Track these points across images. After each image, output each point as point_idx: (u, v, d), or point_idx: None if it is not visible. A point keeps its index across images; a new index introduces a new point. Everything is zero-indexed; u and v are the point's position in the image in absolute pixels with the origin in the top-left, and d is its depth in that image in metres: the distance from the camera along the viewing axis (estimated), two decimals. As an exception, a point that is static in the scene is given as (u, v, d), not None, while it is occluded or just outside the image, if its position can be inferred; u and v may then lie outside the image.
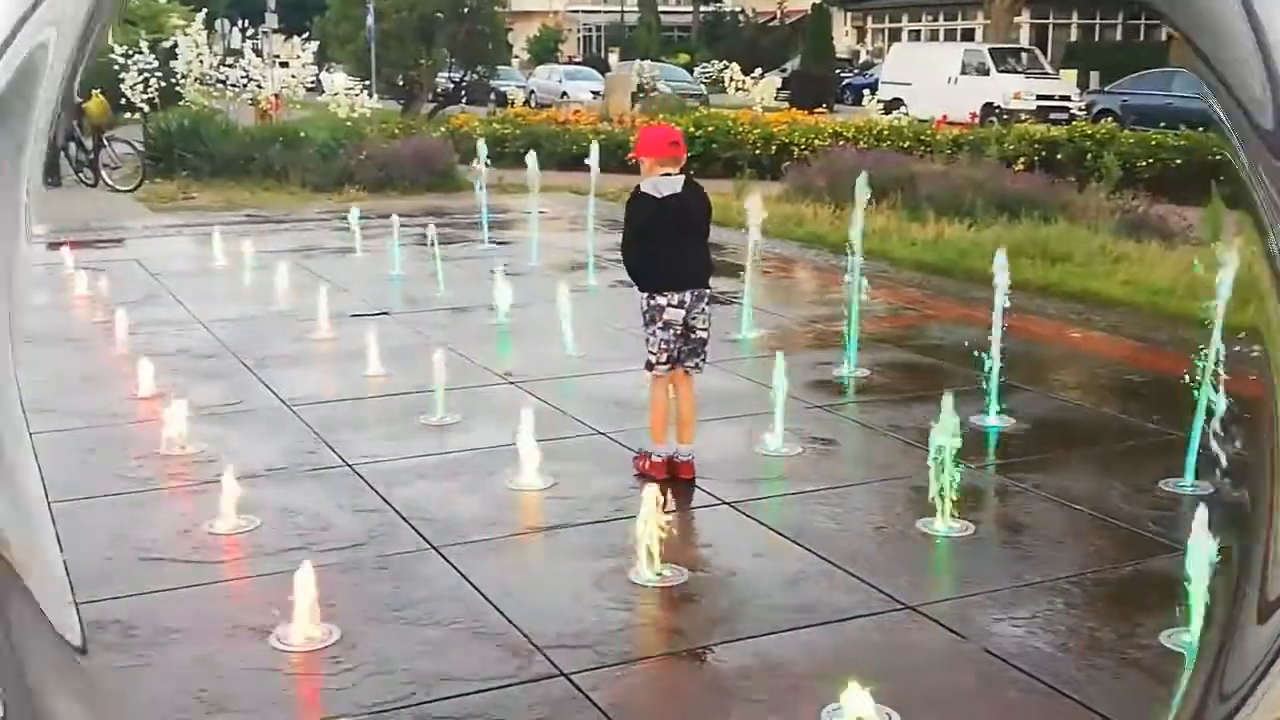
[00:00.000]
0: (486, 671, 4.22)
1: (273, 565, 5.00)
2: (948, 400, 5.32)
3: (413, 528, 5.46)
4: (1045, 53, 39.10)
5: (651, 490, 4.90)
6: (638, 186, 5.90)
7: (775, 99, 30.81)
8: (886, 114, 22.53)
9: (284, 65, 23.67)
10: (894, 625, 4.59)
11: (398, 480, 6.05)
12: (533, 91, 39.30)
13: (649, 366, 6.02)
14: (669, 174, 5.84)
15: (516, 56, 51.06)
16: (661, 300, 5.85)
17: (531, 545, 5.53)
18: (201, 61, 19.99)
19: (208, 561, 5.12)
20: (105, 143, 18.13)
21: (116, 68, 19.44)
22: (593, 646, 4.38)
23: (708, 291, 5.97)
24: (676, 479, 5.92)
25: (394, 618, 4.60)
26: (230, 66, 20.99)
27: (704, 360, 6.08)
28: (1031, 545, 5.40)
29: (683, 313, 5.84)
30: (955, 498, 5.44)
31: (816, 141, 19.57)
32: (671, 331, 5.87)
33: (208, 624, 4.57)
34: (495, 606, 4.71)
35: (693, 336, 5.93)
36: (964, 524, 5.47)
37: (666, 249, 5.82)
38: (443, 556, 5.15)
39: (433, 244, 11.13)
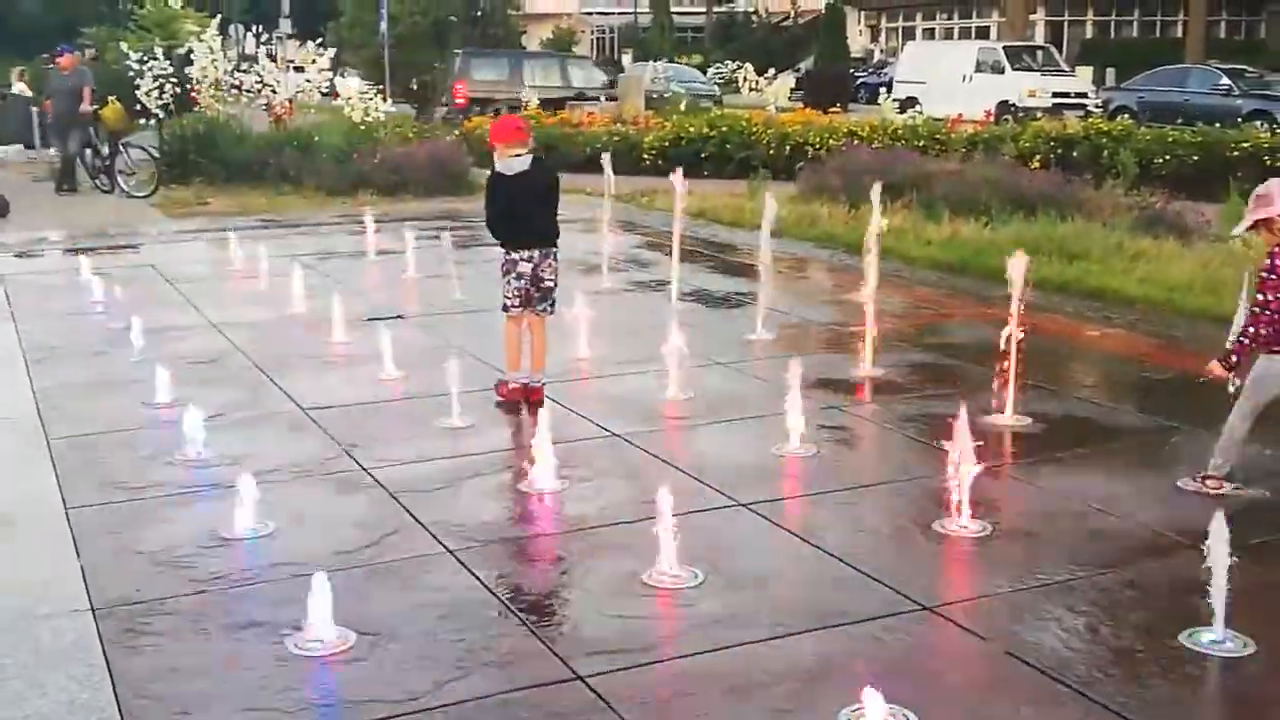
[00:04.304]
0: (502, 676, 4.21)
1: (288, 570, 5.00)
2: (964, 404, 5.29)
3: (428, 531, 5.45)
4: (1061, 50, 38.95)
5: (666, 496, 4.89)
6: (494, 167, 7.24)
7: (789, 99, 30.76)
8: (901, 113, 22.44)
9: (299, 70, 23.72)
10: (913, 626, 4.56)
11: (413, 483, 6.04)
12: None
13: (505, 309, 7.34)
14: (518, 155, 7.12)
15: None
16: (515, 256, 7.23)
17: (546, 547, 5.51)
18: (216, 67, 20.04)
19: (224, 565, 5.12)
20: (121, 149, 18.18)
21: (132, 74, 19.50)
22: (608, 650, 4.36)
23: (554, 249, 7.29)
24: (530, 401, 7.21)
25: (409, 621, 4.59)
26: (245, 72, 21.03)
27: (552, 305, 7.37)
28: (1050, 545, 5.36)
29: (531, 266, 7.18)
30: (973, 498, 5.41)
31: (831, 141, 19.51)
32: (523, 281, 7.21)
33: (223, 628, 4.57)
34: (510, 609, 4.70)
35: (541, 285, 7.26)
36: (982, 524, 5.43)
37: (520, 215, 7.17)
38: (458, 559, 5.14)
39: (447, 248, 11.14)
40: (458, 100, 27.49)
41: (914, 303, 10.50)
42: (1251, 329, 5.43)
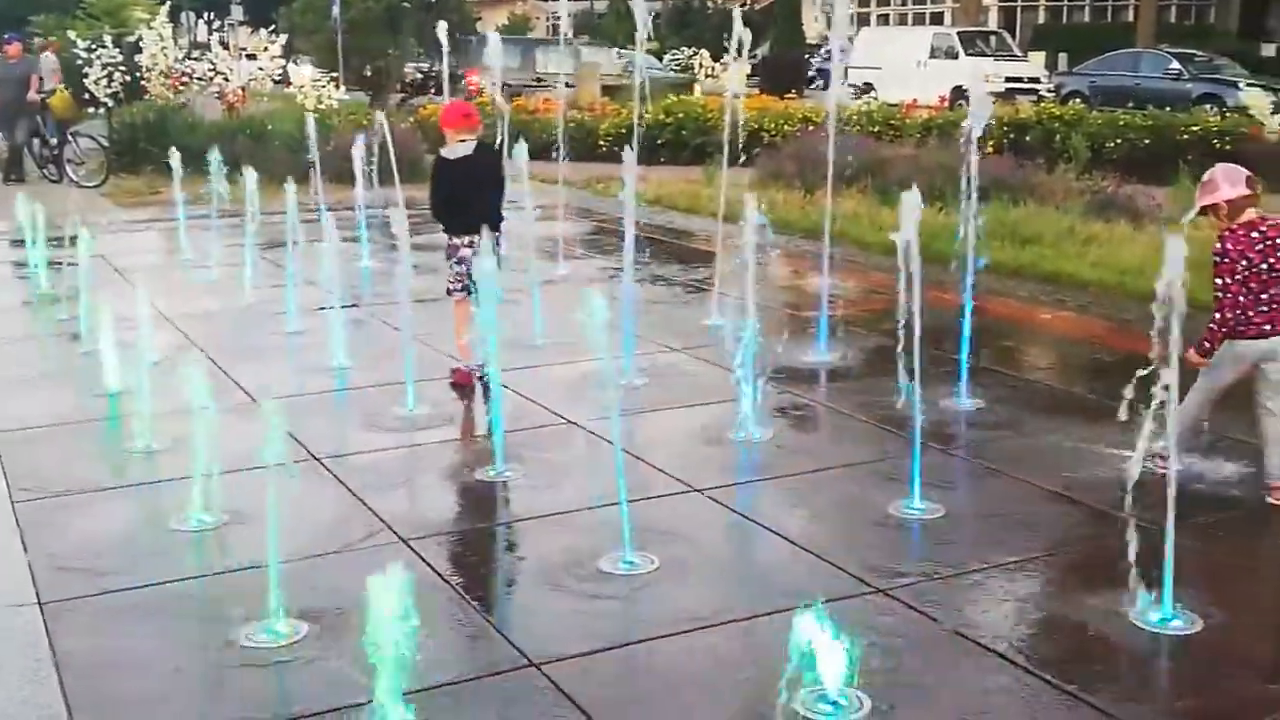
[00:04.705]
0: (457, 663, 4.20)
1: (239, 561, 4.96)
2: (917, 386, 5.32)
3: (381, 520, 5.41)
4: (1013, 35, 39.17)
5: (622, 483, 4.88)
6: (439, 152, 7.23)
7: (746, 85, 30.72)
8: (857, 99, 22.50)
9: (251, 58, 23.48)
10: (866, 608, 4.58)
11: (365, 472, 6.01)
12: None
13: (448, 293, 7.39)
14: (464, 140, 7.13)
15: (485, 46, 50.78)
16: (456, 241, 7.23)
17: (500, 535, 5.50)
18: (166, 55, 19.79)
19: (174, 558, 5.07)
20: (70, 138, 17.93)
21: (80, 62, 19.23)
22: (563, 636, 4.36)
23: (498, 234, 7.11)
24: (465, 386, 7.32)
25: (359, 612, 4.56)
26: (196, 60, 20.78)
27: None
28: (1002, 525, 5.41)
29: (472, 251, 6.95)
30: (926, 480, 5.45)
31: (786, 127, 19.54)
32: (465, 265, 7.15)
33: (174, 620, 4.53)
34: (465, 597, 4.69)
35: None
36: (935, 505, 5.47)
37: (460, 201, 7.10)
38: (411, 549, 5.11)
39: (401, 235, 11.04)
40: (470, 86, 27.27)
41: (869, 287, 10.54)
42: (1218, 314, 5.49)
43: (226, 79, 20.53)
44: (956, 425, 6.76)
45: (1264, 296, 5.43)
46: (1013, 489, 5.84)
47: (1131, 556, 4.70)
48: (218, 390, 7.47)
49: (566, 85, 27.92)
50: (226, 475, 5.87)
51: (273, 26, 23.20)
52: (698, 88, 28.05)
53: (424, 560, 5.01)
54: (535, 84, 28.15)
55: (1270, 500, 5.56)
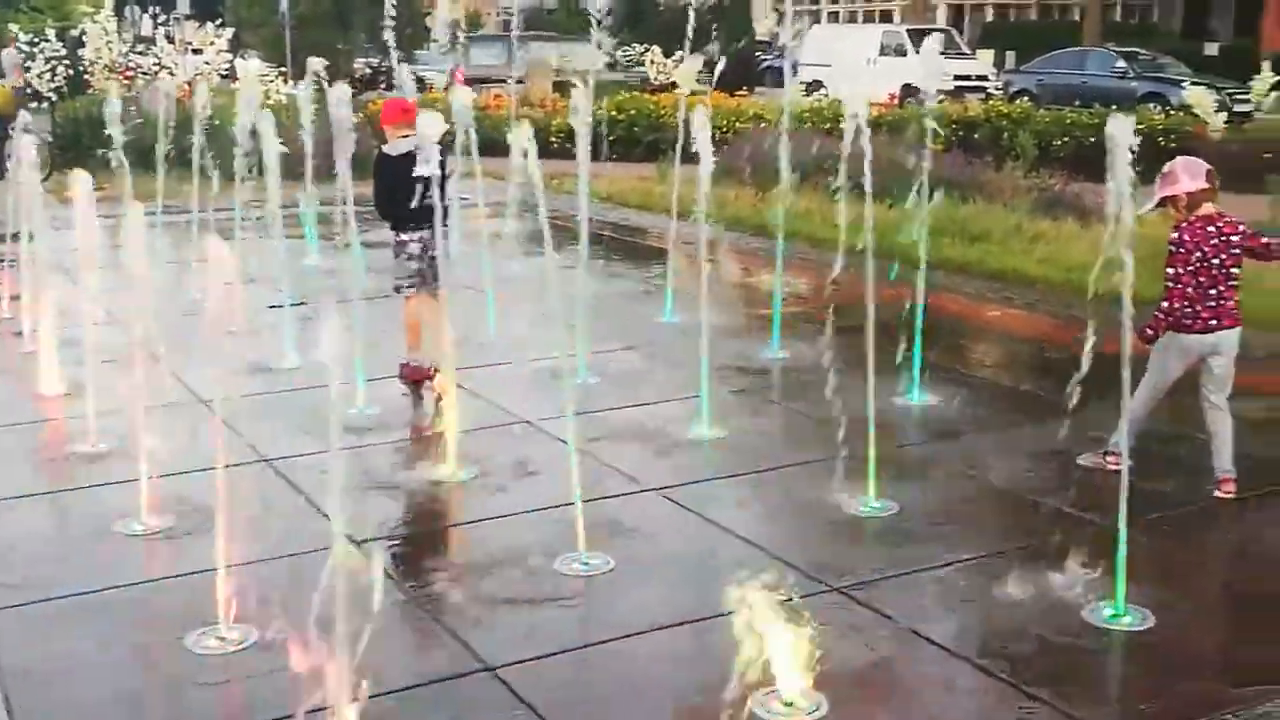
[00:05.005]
0: (411, 668, 4.15)
1: (187, 566, 4.87)
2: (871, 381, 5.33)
3: (332, 523, 5.33)
4: (962, 33, 39.48)
5: (576, 482, 4.85)
6: (379, 149, 7.30)
7: (698, 82, 30.72)
8: (808, 95, 22.58)
9: (197, 52, 23.19)
10: (822, 608, 4.57)
11: (316, 474, 5.93)
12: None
13: (397, 290, 7.36)
14: (405, 136, 7.07)
15: (435, 40, 50.49)
16: (404, 237, 7.26)
17: (454, 537, 5.45)
18: (111, 49, 19.51)
19: (121, 562, 4.98)
20: (10, 133, 17.62)
21: (23, 56, 18.91)
22: (520, 640, 4.32)
23: (445, 228, 7.06)
24: (420, 384, 7.24)
25: (311, 618, 4.50)
26: (141, 54, 20.50)
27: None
28: (955, 523, 5.43)
29: (420, 246, 7.12)
30: (880, 478, 5.46)
31: (739, 124, 19.57)
32: (414, 262, 7.20)
33: (122, 626, 4.45)
34: (419, 601, 4.64)
35: (435, 264, 7.16)
36: (888, 503, 5.48)
37: (401, 196, 6.92)
38: (363, 552, 5.04)
39: (351, 231, 10.93)
40: (458, 81, 27.15)
41: (821, 284, 10.55)
42: (1166, 303, 5.54)
43: (173, 73, 20.27)
44: (909, 422, 6.79)
45: (1212, 291, 5.49)
46: (966, 486, 5.87)
47: (1084, 554, 4.75)
48: (163, 391, 7.37)
49: (517, 81, 27.83)
50: (172, 478, 5.78)
51: (219, 20, 22.90)
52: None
53: (376, 563, 4.94)
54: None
55: (1218, 494, 5.62)
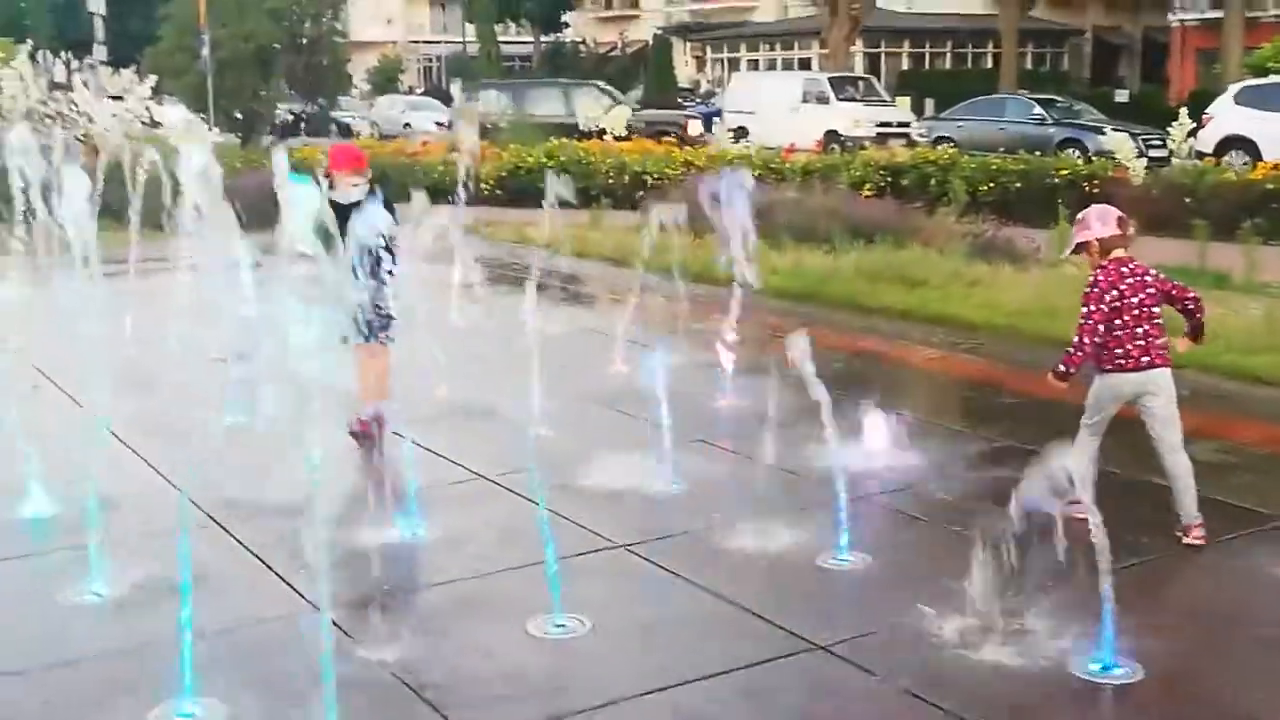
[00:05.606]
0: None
1: (134, 640, 4.64)
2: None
3: (290, 586, 5.14)
4: (879, 80, 40.15)
5: (546, 541, 4.71)
6: (328, 197, 7.08)
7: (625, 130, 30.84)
8: (735, 142, 22.74)
9: (116, 99, 22.77)
10: (807, 667, 4.47)
11: (266, 533, 5.71)
12: (375, 123, 38.74)
13: (344, 340, 7.16)
14: (355, 185, 7.14)
15: (356, 88, 50.27)
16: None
17: (421, 600, 5.26)
18: (28, 96, 19.08)
19: (55, 636, 4.72)
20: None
21: (-66, 103, 18.43)
22: (493, 706, 4.16)
23: (390, 278, 7.07)
24: (366, 435, 7.12)
25: (277, 692, 4.29)
26: (57, 101, 20.06)
27: (390, 335, 7.19)
28: (930, 575, 5.34)
29: (368, 295, 6.98)
30: (849, 529, 5.38)
31: (669, 170, 19.61)
32: (362, 312, 7.05)
33: (73, 706, 4.20)
34: (388, 668, 4.45)
35: (380, 313, 7.10)
36: (862, 555, 5.40)
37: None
38: (327, 618, 4.84)
39: (290, 282, 10.69)
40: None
41: (768, 331, 10.53)
42: (1077, 339, 5.69)
43: (91, 120, 19.86)
44: (872, 472, 6.72)
45: (1139, 330, 5.65)
46: (934, 535, 5.81)
47: (1066, 606, 4.70)
48: (112, 457, 7.09)
49: (439, 126, 27.62)
50: (116, 541, 5.54)
51: (136, 67, 22.54)
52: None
53: (341, 629, 4.75)
54: (406, 128, 27.82)
55: (1187, 542, 5.63)
